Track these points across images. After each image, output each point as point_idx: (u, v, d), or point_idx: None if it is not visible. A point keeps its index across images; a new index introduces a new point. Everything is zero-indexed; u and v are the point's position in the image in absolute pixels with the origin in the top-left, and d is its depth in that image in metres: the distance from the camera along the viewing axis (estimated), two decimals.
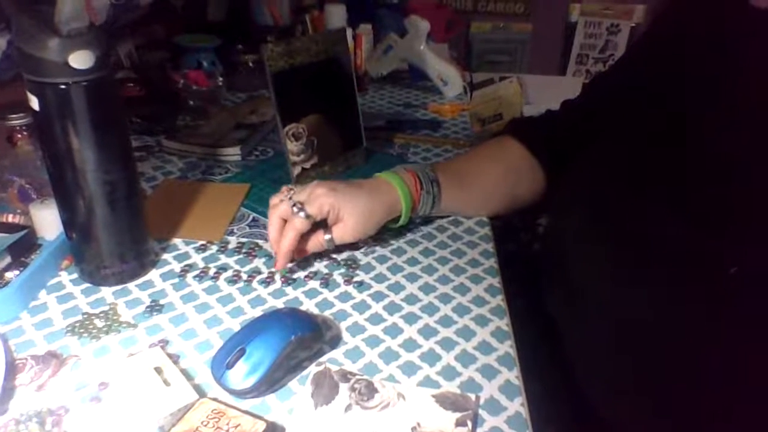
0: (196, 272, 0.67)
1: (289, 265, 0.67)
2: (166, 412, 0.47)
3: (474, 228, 0.77)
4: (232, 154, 0.94)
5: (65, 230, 0.63)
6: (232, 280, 0.66)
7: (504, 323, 0.60)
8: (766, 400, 0.51)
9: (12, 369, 0.52)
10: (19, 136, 0.77)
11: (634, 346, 0.58)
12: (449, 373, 0.54)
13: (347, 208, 0.65)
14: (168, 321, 0.59)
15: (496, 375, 0.54)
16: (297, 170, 0.82)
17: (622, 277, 0.58)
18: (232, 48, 1.30)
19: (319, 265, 0.69)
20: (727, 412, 0.54)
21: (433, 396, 0.50)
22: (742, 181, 0.53)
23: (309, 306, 0.62)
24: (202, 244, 0.72)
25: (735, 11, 0.59)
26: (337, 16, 1.33)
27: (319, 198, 0.64)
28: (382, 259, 0.70)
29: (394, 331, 0.59)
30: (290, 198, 0.65)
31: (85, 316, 0.60)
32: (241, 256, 0.70)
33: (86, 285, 0.64)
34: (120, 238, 0.62)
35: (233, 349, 0.52)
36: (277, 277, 0.66)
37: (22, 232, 0.67)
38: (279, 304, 0.63)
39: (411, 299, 0.63)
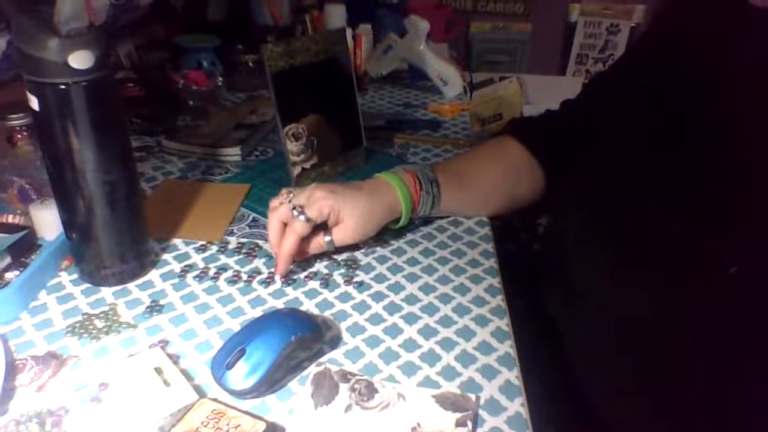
0: (196, 272, 0.67)
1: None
2: (166, 412, 0.47)
3: (474, 228, 0.77)
4: (232, 154, 0.94)
5: (65, 230, 0.63)
6: (232, 281, 0.66)
7: (504, 323, 0.60)
8: (765, 399, 0.51)
9: (12, 369, 0.52)
10: (19, 136, 0.77)
11: (634, 346, 0.58)
12: (449, 373, 0.54)
13: (347, 210, 0.65)
14: (168, 321, 0.59)
15: (496, 375, 0.54)
16: (297, 170, 0.82)
17: (622, 277, 0.58)
18: (232, 48, 1.30)
19: (319, 266, 0.69)
20: (727, 412, 0.54)
21: (433, 396, 0.50)
22: (741, 180, 0.53)
23: (309, 306, 0.62)
24: (202, 245, 0.72)
25: (734, 11, 0.59)
26: (336, 16, 1.33)
27: (319, 201, 0.64)
28: (382, 260, 0.70)
29: (394, 331, 0.59)
30: (290, 201, 0.65)
31: (85, 316, 0.60)
32: (241, 256, 0.70)
33: (86, 285, 0.64)
34: (120, 239, 0.62)
35: (233, 349, 0.52)
36: (277, 277, 0.66)
37: (22, 233, 0.67)
38: (279, 304, 0.63)
39: (411, 299, 0.63)
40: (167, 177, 0.89)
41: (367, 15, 1.44)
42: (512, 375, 0.54)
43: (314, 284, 0.66)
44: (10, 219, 0.70)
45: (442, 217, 0.78)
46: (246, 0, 1.38)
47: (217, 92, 1.17)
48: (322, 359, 0.55)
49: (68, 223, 0.62)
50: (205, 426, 0.45)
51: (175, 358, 0.55)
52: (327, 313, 0.61)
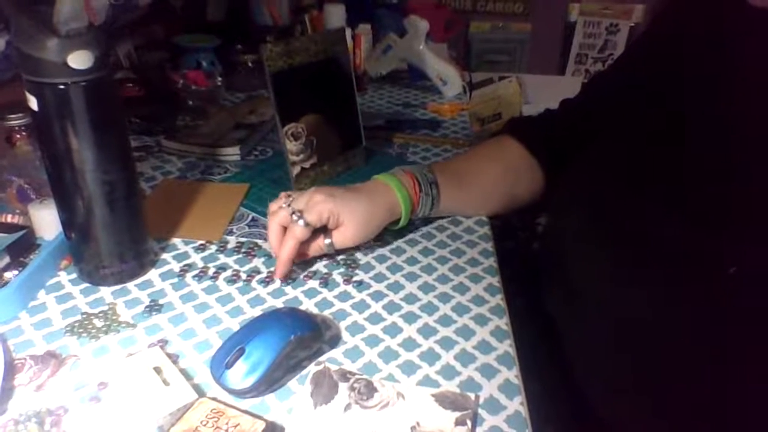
0: (196, 272, 0.67)
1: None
2: (165, 411, 0.47)
3: (473, 227, 0.77)
4: (232, 154, 0.94)
5: (64, 230, 0.63)
6: (232, 280, 0.66)
7: (503, 322, 0.60)
8: (764, 399, 0.51)
9: (11, 369, 0.52)
10: (18, 136, 0.77)
11: (633, 345, 0.58)
12: (449, 372, 0.54)
13: (346, 214, 0.65)
14: (167, 321, 0.59)
15: (496, 374, 0.54)
16: (296, 170, 0.82)
17: (622, 277, 0.58)
18: (231, 48, 1.30)
19: (319, 265, 0.69)
20: (726, 412, 0.54)
21: (433, 395, 0.50)
22: (741, 180, 0.53)
23: (308, 305, 0.62)
24: (202, 244, 0.72)
25: (733, 10, 0.59)
26: (336, 15, 1.33)
27: (318, 205, 0.64)
28: (381, 259, 0.70)
29: (393, 330, 0.59)
30: (289, 205, 0.65)
31: (84, 316, 0.60)
32: (240, 255, 0.70)
33: (85, 285, 0.64)
34: (119, 238, 0.62)
35: (232, 348, 0.52)
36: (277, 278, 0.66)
37: (21, 232, 0.67)
38: (278, 303, 0.63)
39: (410, 298, 0.63)
40: (166, 177, 0.89)
41: (367, 15, 1.45)
42: (511, 374, 0.54)
43: (313, 283, 0.66)
44: (9, 219, 0.70)
45: (441, 217, 0.78)
46: (245, 0, 1.38)
47: (217, 92, 1.17)
48: (322, 358, 0.55)
49: (67, 222, 0.62)
50: (205, 425, 0.45)
51: (174, 358, 0.55)
52: (326, 313, 0.61)
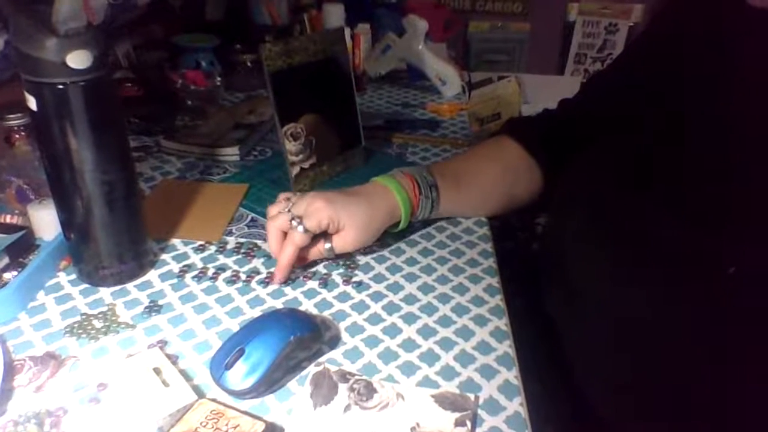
0: (195, 272, 0.67)
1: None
2: (165, 412, 0.47)
3: (472, 228, 0.77)
4: (231, 154, 0.94)
5: (63, 231, 0.63)
6: (231, 281, 0.66)
7: (503, 323, 0.60)
8: (764, 399, 0.51)
9: (10, 370, 0.52)
10: (17, 136, 0.77)
11: (633, 345, 0.58)
12: (448, 373, 0.54)
13: (346, 219, 0.64)
14: (167, 321, 0.59)
15: (495, 375, 0.54)
16: (295, 170, 0.82)
17: (621, 277, 0.58)
18: (230, 48, 1.30)
19: (318, 266, 0.69)
20: (726, 412, 0.54)
21: (433, 396, 0.50)
22: (740, 180, 0.53)
23: (308, 306, 0.62)
24: (201, 245, 0.72)
25: (732, 10, 0.59)
26: (335, 15, 1.33)
27: (318, 212, 0.63)
28: (380, 259, 0.70)
29: (393, 331, 0.59)
30: (288, 210, 0.65)
31: (84, 316, 0.60)
32: (239, 256, 0.70)
33: (84, 285, 0.64)
34: (118, 239, 0.62)
35: (232, 349, 0.51)
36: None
37: (20, 233, 0.67)
38: (278, 304, 0.63)
39: (410, 299, 0.63)
40: (165, 177, 0.89)
41: (366, 14, 1.44)
42: (511, 375, 0.54)
43: (313, 284, 0.66)
44: (8, 219, 0.70)
45: (439, 218, 0.78)
46: (244, 0, 1.38)
47: (216, 92, 1.17)
48: (321, 359, 0.55)
49: (66, 223, 0.61)
50: (204, 426, 0.45)
51: (173, 359, 0.54)
52: (326, 313, 0.61)
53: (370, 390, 0.51)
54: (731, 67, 0.58)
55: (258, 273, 0.67)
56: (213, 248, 0.71)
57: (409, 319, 0.61)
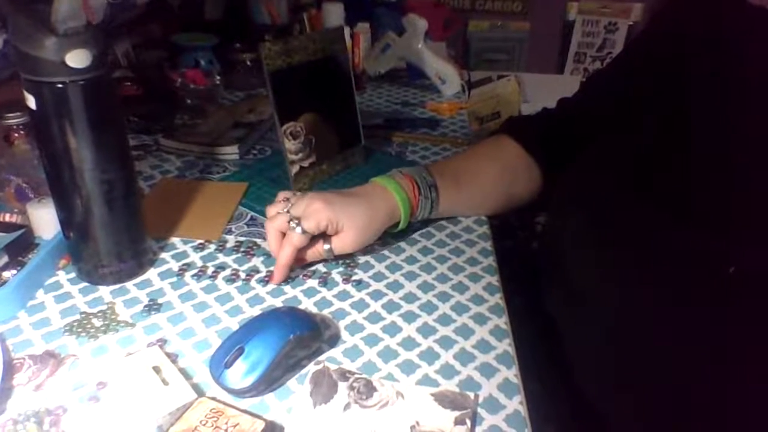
0: (194, 271, 0.67)
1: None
2: (164, 411, 0.47)
3: (472, 226, 0.77)
4: (230, 152, 0.94)
5: (62, 229, 0.62)
6: (231, 279, 0.66)
7: (503, 321, 0.60)
8: (764, 399, 0.51)
9: (10, 369, 0.52)
10: (16, 135, 0.77)
11: (633, 345, 0.58)
12: (448, 371, 0.54)
13: (345, 220, 0.64)
14: (166, 320, 0.59)
15: (495, 373, 0.54)
16: (295, 169, 0.82)
17: (621, 277, 0.58)
18: (229, 46, 1.30)
19: (318, 264, 0.69)
20: (726, 412, 0.54)
21: (432, 394, 0.50)
22: (741, 180, 0.53)
23: (307, 305, 0.62)
24: (200, 243, 0.72)
25: (732, 9, 0.59)
26: (334, 14, 1.33)
27: (316, 213, 0.63)
28: (380, 258, 0.70)
29: (392, 329, 0.59)
30: (287, 211, 0.64)
31: (83, 315, 0.60)
32: (239, 254, 0.70)
33: (84, 284, 0.64)
34: (118, 237, 0.62)
35: (232, 348, 0.51)
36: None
37: (20, 232, 0.67)
38: (277, 302, 0.63)
39: (410, 298, 0.63)
40: (165, 176, 0.89)
41: (365, 13, 1.44)
42: (511, 373, 0.54)
43: (313, 282, 0.66)
44: (8, 218, 0.70)
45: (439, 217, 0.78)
46: None
47: (215, 91, 1.17)
48: (321, 358, 0.55)
49: (66, 221, 0.61)
50: (204, 425, 0.45)
51: (173, 357, 0.54)
52: (325, 312, 0.61)
53: (369, 388, 0.51)
54: (731, 65, 0.58)
55: (257, 271, 0.67)
56: (212, 247, 0.71)
57: (409, 317, 0.61)
